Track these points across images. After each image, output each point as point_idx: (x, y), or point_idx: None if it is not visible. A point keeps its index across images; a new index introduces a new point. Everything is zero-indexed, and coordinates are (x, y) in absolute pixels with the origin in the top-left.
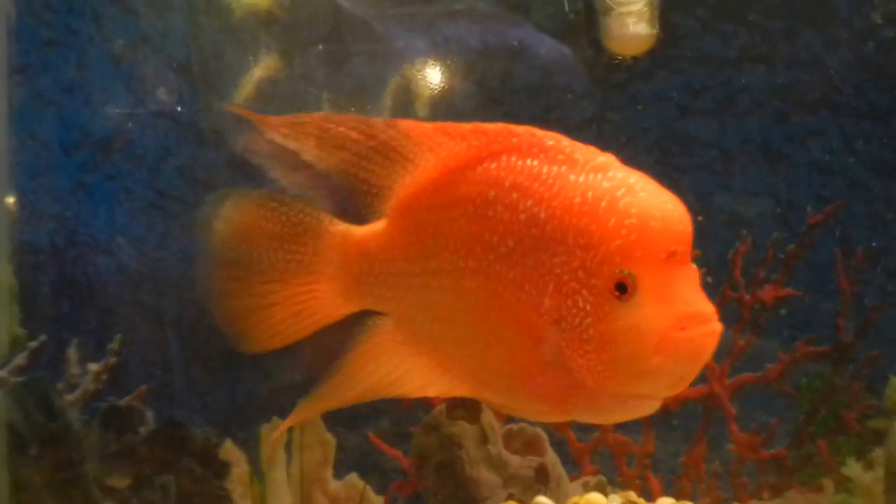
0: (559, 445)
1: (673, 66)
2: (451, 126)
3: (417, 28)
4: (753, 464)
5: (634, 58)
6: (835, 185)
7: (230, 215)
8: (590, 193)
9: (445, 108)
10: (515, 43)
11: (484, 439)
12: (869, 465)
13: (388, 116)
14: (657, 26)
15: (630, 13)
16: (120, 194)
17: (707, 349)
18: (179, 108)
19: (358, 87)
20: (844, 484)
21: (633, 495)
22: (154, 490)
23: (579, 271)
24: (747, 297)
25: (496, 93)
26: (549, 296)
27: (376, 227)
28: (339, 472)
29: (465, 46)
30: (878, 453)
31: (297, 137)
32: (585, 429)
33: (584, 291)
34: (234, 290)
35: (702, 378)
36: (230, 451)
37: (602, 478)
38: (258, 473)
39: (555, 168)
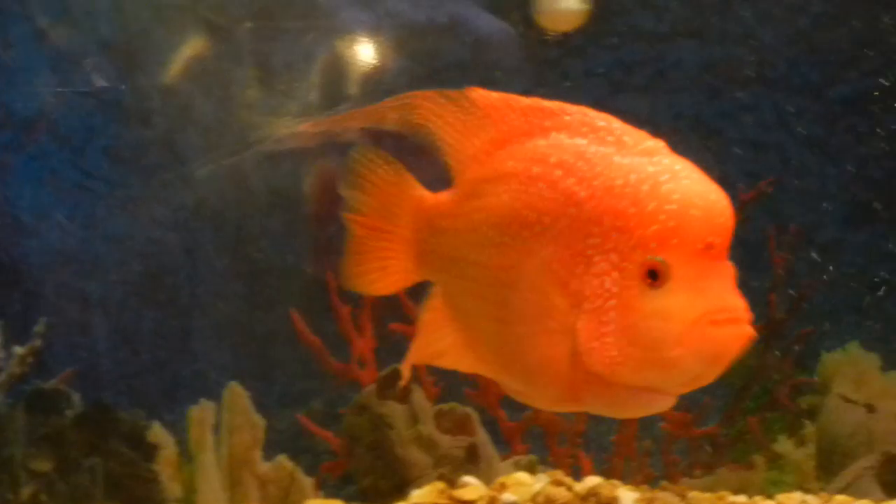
0: (491, 425)
1: (605, 42)
2: (514, 99)
3: (354, 2)
4: (685, 442)
5: (566, 33)
6: (768, 161)
7: (355, 167)
8: (633, 176)
9: (376, 84)
10: (447, 18)
11: (414, 419)
12: (800, 442)
13: (317, 93)
14: (589, 1)
15: None
16: (44, 175)
17: (732, 351)
18: (105, 88)
19: (288, 63)
20: (776, 461)
21: (560, 474)
22: (82, 473)
23: (612, 253)
24: None
25: (427, 69)
26: (576, 277)
27: (442, 196)
28: (271, 455)
29: (396, 22)
30: (809, 430)
31: (380, 121)
32: (517, 408)
33: (614, 273)
34: (350, 232)
35: None
36: (158, 433)
37: (533, 457)
38: (187, 456)
39: (602, 148)
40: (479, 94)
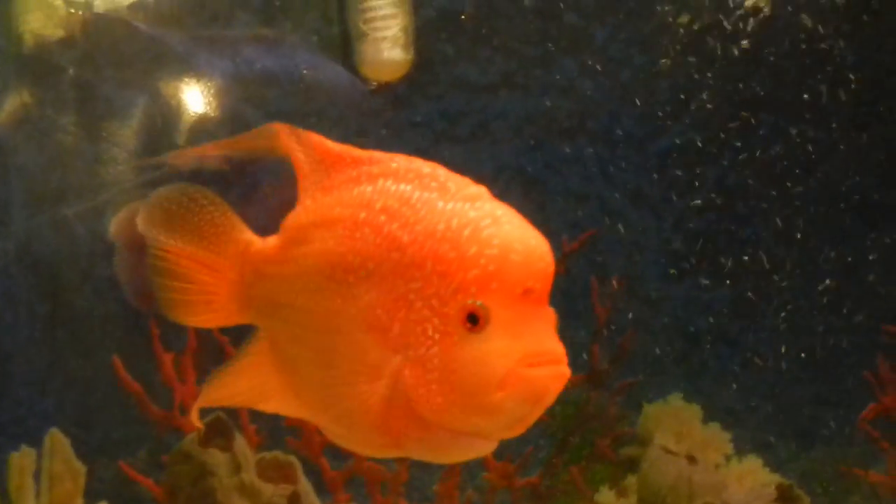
0: (314, 473)
1: (428, 93)
2: (350, 150)
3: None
4: (507, 492)
5: (389, 84)
6: (590, 213)
7: (161, 203)
8: (455, 221)
9: (198, 132)
10: (271, 67)
11: (237, 467)
12: (622, 493)
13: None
14: (412, 52)
15: (384, 38)
16: None
17: (551, 392)
18: None
19: (109, 112)
20: None
21: None
22: None
23: (433, 298)
24: None
25: (251, 117)
26: (399, 321)
27: (270, 241)
28: (95, 502)
29: (217, 71)
30: (631, 480)
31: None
32: (340, 457)
33: (435, 319)
34: (163, 263)
35: None
36: None
37: None
38: (7, 502)
39: (426, 194)
40: (317, 140)
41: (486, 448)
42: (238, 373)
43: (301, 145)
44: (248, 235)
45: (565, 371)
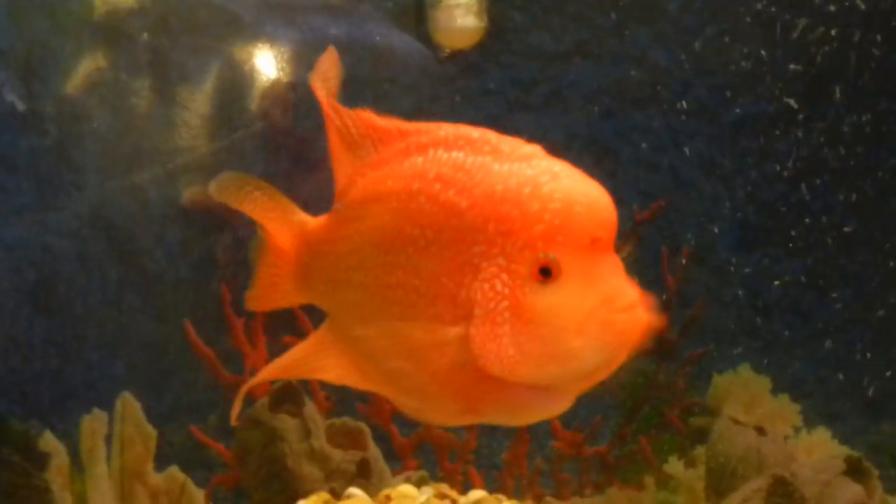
0: (383, 440)
1: (501, 61)
2: (395, 122)
3: (241, 21)
4: (576, 461)
5: (462, 51)
6: (661, 182)
7: (218, 191)
8: (513, 181)
9: (269, 99)
10: (342, 35)
11: (306, 433)
12: (690, 463)
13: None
14: (485, 20)
15: (458, 6)
16: None
17: (632, 337)
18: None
19: (181, 78)
20: (666, 482)
21: (445, 487)
22: None
23: (499, 257)
24: None
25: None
26: (464, 287)
27: (322, 220)
28: (164, 466)
29: (288, 39)
30: (699, 451)
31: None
32: (409, 424)
33: (503, 275)
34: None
35: None
36: (50, 442)
37: (424, 473)
38: (79, 466)
39: (479, 158)
40: (364, 116)
41: (561, 405)
42: (302, 351)
43: (344, 121)
44: (299, 216)
45: (646, 317)
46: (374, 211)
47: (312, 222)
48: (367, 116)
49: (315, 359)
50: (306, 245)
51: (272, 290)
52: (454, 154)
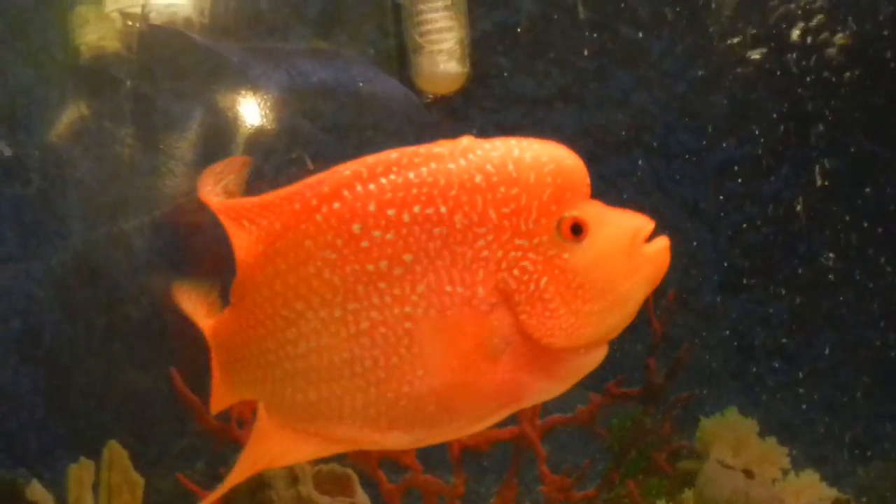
0: (371, 486)
1: (484, 106)
2: (264, 196)
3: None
4: None
5: (445, 97)
6: None
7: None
8: (487, 166)
9: (253, 147)
10: (327, 80)
11: (294, 479)
12: None
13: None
14: (468, 65)
15: (441, 51)
16: None
17: (665, 260)
18: None
19: (166, 124)
20: None
21: None
22: None
23: (516, 239)
24: None
25: (306, 131)
26: (481, 284)
27: (224, 315)
28: None
29: (273, 84)
30: (687, 495)
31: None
32: (396, 470)
33: (530, 254)
34: None
35: (512, 419)
36: (37, 491)
37: None
38: None
39: (423, 169)
40: (222, 205)
41: (602, 354)
42: (249, 448)
43: (231, 213)
44: (213, 318)
45: (666, 239)
46: (300, 276)
47: (216, 320)
48: (223, 205)
49: (270, 453)
50: (218, 344)
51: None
52: (385, 181)
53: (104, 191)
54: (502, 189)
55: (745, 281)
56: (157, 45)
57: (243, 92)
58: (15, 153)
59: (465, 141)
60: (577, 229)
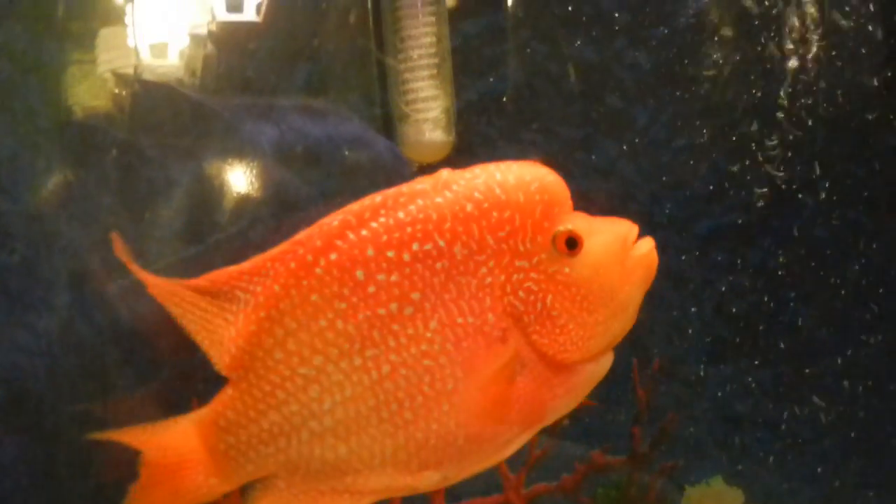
0: None
1: None
2: (252, 261)
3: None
4: None
5: (430, 165)
6: None
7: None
8: (475, 193)
9: (238, 215)
10: (319, 137)
11: None
12: None
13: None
14: (453, 134)
15: (426, 120)
16: None
17: (656, 262)
18: None
19: (156, 189)
20: None
21: None
22: None
23: (515, 261)
24: None
25: (291, 198)
26: (490, 310)
27: (222, 397)
28: None
29: (264, 141)
30: None
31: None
32: None
33: (532, 273)
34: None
35: (497, 487)
36: None
37: None
38: None
39: (411, 207)
40: (207, 279)
41: (609, 361)
42: None
43: (191, 297)
44: (191, 415)
45: (649, 237)
46: (312, 333)
47: (208, 409)
48: (209, 277)
49: None
50: (219, 431)
51: (191, 492)
52: (376, 224)
53: (90, 258)
54: (495, 214)
55: (729, 350)
56: (149, 101)
57: (233, 150)
58: None
59: (445, 173)
60: (573, 243)
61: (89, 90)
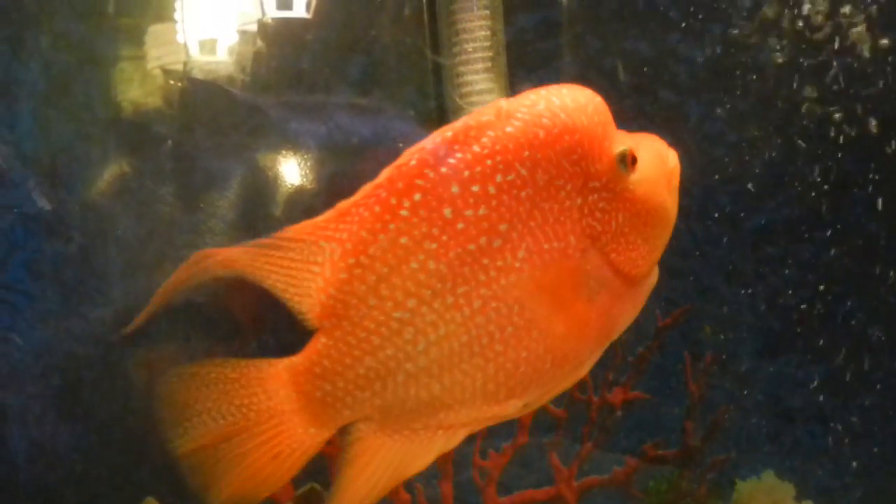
0: None
1: None
2: (335, 209)
3: (267, 122)
4: None
5: None
6: (684, 289)
7: (173, 397)
8: (543, 120)
9: (293, 205)
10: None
11: None
12: None
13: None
14: None
15: None
16: None
17: (679, 172)
18: (27, 201)
19: (207, 182)
20: None
21: None
22: None
23: (588, 182)
24: (595, 398)
25: (346, 191)
26: (571, 233)
27: (316, 345)
28: None
29: (312, 140)
30: None
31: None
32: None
33: (604, 192)
34: (204, 457)
35: (549, 480)
36: None
37: None
38: None
39: (484, 139)
40: (293, 229)
41: (656, 275)
42: (363, 473)
43: (280, 249)
44: (283, 362)
45: (672, 150)
46: (404, 276)
47: (301, 357)
48: (296, 227)
49: (391, 466)
50: (314, 378)
51: (288, 446)
52: (453, 160)
53: (144, 249)
54: (566, 138)
55: (782, 344)
56: (198, 100)
57: (283, 148)
58: (56, 210)
59: (503, 103)
60: (633, 160)
61: (140, 86)
